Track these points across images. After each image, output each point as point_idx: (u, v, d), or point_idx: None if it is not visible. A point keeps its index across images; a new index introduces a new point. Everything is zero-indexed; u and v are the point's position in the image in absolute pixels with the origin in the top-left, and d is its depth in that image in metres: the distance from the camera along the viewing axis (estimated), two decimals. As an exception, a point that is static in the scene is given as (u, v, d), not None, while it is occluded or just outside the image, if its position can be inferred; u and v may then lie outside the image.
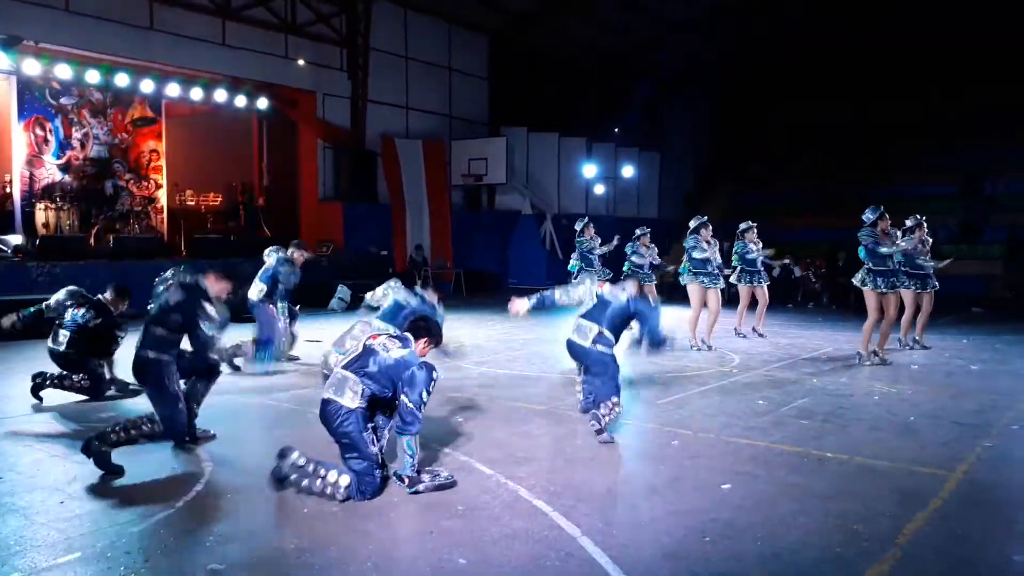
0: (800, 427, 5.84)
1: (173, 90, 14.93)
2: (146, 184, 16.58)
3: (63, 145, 15.21)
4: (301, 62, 16.56)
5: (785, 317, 14.03)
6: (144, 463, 4.77)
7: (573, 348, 5.79)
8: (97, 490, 4.38)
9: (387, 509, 4.07)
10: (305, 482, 4.14)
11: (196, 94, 15.17)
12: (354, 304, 14.03)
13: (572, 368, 5.92)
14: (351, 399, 4.23)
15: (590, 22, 20.91)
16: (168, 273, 5.43)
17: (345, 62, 17.54)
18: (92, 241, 14.48)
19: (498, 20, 20.47)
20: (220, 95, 15.41)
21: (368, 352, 4.39)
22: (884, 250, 8.50)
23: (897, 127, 23.71)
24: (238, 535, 3.76)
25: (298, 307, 8.86)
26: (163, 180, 16.80)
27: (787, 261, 17.35)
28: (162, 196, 16.79)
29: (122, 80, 14.09)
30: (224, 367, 5.72)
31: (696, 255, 9.78)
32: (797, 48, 22.93)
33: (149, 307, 5.35)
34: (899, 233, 9.07)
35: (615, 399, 5.56)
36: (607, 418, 5.49)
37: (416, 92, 19.43)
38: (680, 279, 10.14)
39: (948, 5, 19.91)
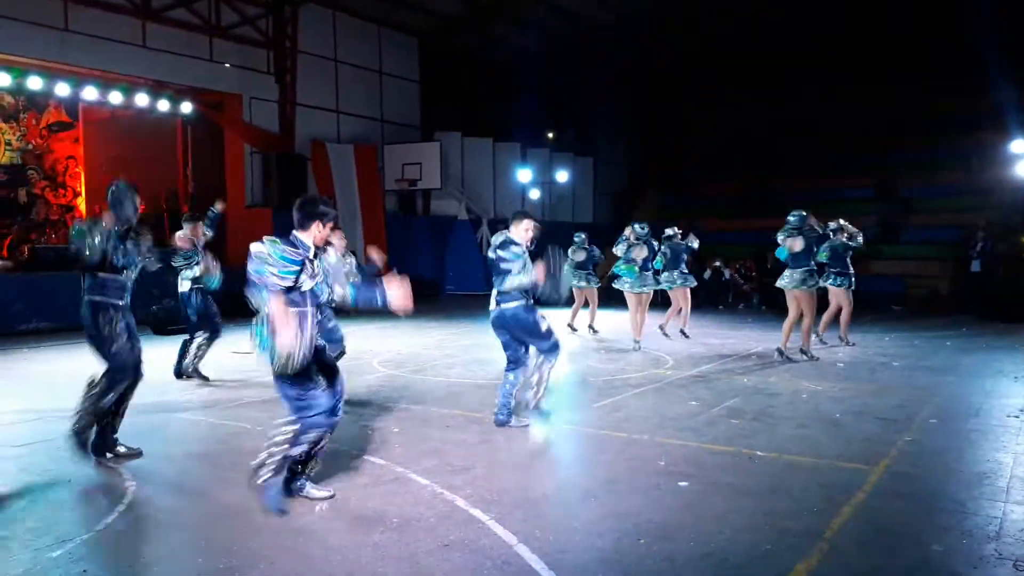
0: (731, 427, 5.95)
1: (90, 94, 14.31)
2: (63, 192, 15.95)
3: (-28, 151, 14.53)
4: (227, 65, 16.13)
5: (716, 318, 14.33)
6: (63, 483, 4.55)
7: None
8: (9, 514, 4.15)
9: (319, 525, 3.98)
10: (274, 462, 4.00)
11: (115, 98, 14.55)
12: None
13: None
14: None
15: (515, 26, 20.97)
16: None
17: (272, 65, 17.17)
18: (5, 252, 13.86)
19: (428, 23, 20.36)
20: (141, 99, 14.84)
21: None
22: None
23: (816, 132, 24.51)
24: (163, 557, 3.62)
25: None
26: (81, 188, 16.19)
27: (718, 263, 17.82)
28: (81, 204, 16.17)
29: (35, 83, 13.43)
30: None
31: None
32: (714, 55, 23.49)
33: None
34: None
35: None
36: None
37: (347, 96, 19.15)
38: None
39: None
